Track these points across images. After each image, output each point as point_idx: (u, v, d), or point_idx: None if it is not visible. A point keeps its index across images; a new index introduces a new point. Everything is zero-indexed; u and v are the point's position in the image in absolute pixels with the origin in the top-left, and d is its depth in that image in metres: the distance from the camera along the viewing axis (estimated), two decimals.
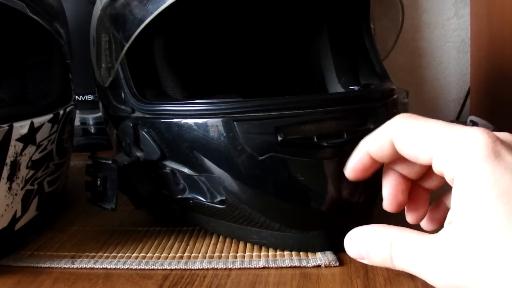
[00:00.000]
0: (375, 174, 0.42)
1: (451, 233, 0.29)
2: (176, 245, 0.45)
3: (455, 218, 0.29)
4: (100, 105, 0.58)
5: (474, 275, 0.27)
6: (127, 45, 0.44)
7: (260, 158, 0.39)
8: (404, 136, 0.32)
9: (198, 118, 0.41)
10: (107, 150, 0.81)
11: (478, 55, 0.91)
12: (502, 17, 0.77)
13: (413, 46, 1.00)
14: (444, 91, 1.02)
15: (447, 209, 0.33)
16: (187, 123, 0.41)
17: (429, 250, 0.29)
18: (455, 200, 0.29)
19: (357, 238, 0.35)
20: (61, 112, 0.50)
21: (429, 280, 0.29)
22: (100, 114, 0.87)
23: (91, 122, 0.89)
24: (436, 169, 0.31)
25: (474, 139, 0.28)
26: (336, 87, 0.54)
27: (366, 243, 0.34)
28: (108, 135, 0.59)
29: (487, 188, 0.27)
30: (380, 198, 0.39)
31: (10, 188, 0.43)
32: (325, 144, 0.39)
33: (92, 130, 0.89)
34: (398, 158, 0.35)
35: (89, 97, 0.87)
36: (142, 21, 0.42)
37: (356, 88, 0.50)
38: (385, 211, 0.38)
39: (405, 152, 0.32)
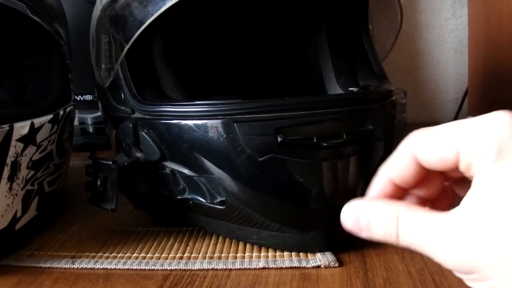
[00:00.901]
0: (375, 173, 0.43)
1: (467, 210, 0.28)
2: (175, 246, 0.45)
3: (472, 197, 0.28)
4: (100, 105, 0.58)
5: (485, 257, 0.26)
6: (127, 46, 0.44)
7: (260, 159, 0.39)
8: (427, 143, 0.30)
9: (198, 119, 0.41)
10: (105, 150, 0.81)
11: (476, 55, 0.91)
12: (500, 17, 0.77)
13: (411, 46, 1.01)
14: (442, 91, 1.03)
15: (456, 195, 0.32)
16: (187, 124, 0.41)
17: (440, 228, 0.28)
18: (476, 182, 0.28)
19: (358, 208, 0.33)
20: (61, 112, 0.50)
21: (438, 259, 0.29)
22: (98, 114, 0.87)
23: (89, 122, 0.89)
24: (464, 160, 0.29)
25: (499, 120, 0.28)
26: (335, 88, 0.54)
27: (368, 214, 0.32)
28: (106, 134, 0.59)
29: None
30: None
31: (10, 189, 0.43)
32: (325, 144, 0.39)
33: (91, 130, 0.89)
34: (420, 180, 0.33)
35: (88, 97, 0.87)
36: (143, 23, 0.42)
37: (355, 89, 0.50)
38: None
39: (431, 159, 0.30)
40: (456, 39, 1.00)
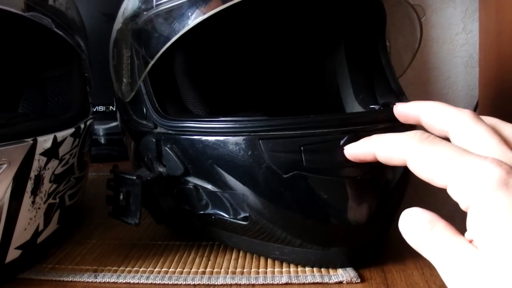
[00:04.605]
0: (396, 190, 0.43)
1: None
2: (197, 260, 0.46)
3: (478, 241, 0.29)
4: (118, 115, 0.59)
5: None
6: (151, 62, 0.44)
7: (284, 176, 0.39)
8: (419, 161, 0.32)
9: (223, 135, 0.41)
10: (117, 161, 0.81)
11: (486, 70, 0.91)
12: (511, 32, 0.78)
13: (422, 60, 1.01)
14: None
15: None
16: (212, 140, 0.41)
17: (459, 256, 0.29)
18: (473, 225, 0.29)
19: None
20: (82, 126, 0.50)
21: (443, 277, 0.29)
22: (110, 125, 0.88)
23: (101, 133, 0.89)
24: (451, 195, 0.31)
25: (488, 170, 0.29)
26: (353, 104, 0.54)
27: None
28: (118, 145, 0.59)
29: (503, 213, 0.27)
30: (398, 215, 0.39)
31: (33, 202, 0.43)
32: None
33: (102, 141, 0.89)
34: None
35: (100, 108, 0.88)
36: (168, 39, 0.42)
37: (376, 107, 0.50)
38: None
39: (419, 174, 0.32)
40: (466, 53, 1.01)
